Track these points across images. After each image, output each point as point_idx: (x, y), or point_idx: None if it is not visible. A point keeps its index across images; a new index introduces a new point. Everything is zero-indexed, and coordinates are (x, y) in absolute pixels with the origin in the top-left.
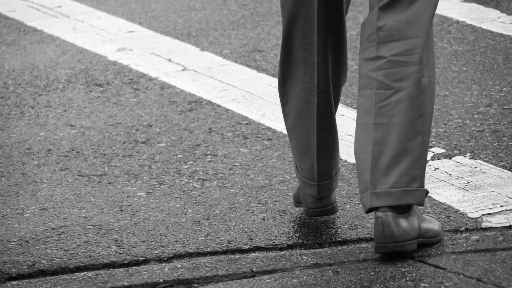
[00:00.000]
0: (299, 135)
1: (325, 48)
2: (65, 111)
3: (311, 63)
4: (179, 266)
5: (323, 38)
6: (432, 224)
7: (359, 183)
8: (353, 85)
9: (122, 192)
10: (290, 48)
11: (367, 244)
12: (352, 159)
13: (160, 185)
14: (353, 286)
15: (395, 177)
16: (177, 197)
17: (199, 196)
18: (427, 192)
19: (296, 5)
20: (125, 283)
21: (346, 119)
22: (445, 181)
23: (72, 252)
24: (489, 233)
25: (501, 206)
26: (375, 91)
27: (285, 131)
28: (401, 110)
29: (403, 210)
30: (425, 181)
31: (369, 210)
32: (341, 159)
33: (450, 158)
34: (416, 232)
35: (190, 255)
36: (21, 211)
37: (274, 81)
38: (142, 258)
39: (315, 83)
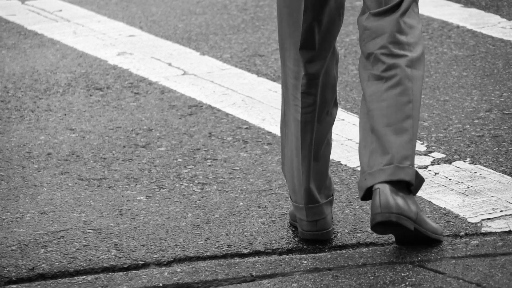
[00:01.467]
0: (288, 155)
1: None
2: (65, 115)
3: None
4: (178, 270)
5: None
6: (432, 223)
7: (361, 174)
8: (353, 89)
9: (122, 196)
10: (283, 60)
11: (366, 249)
12: (351, 164)
13: (160, 189)
14: None
15: (388, 156)
16: (177, 201)
17: (199, 200)
18: (418, 175)
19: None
20: (125, 287)
21: (346, 124)
22: (445, 186)
23: (71, 256)
24: (488, 238)
25: (500, 211)
26: (367, 83)
27: None
28: (391, 96)
29: (401, 189)
30: (425, 186)
31: (365, 193)
32: (340, 164)
33: (450, 163)
34: (413, 214)
35: (190, 259)
36: (21, 214)
37: (274, 86)
38: (141, 262)
39: (299, 97)
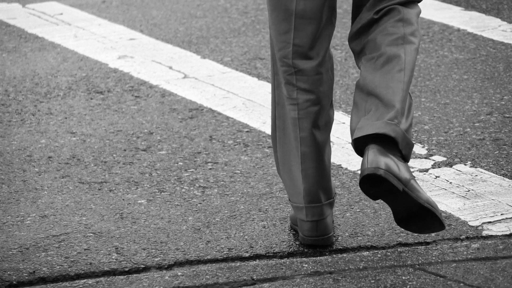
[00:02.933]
0: (284, 157)
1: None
2: (66, 118)
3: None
4: (179, 273)
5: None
6: (427, 195)
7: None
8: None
9: (123, 199)
10: (274, 61)
11: (367, 252)
12: (352, 167)
13: (160, 192)
14: None
15: (378, 113)
16: (177, 205)
17: (200, 203)
18: (406, 138)
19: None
20: None
21: (346, 127)
22: (445, 189)
23: (72, 259)
24: (489, 242)
25: (501, 214)
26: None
27: None
28: (382, 62)
29: (394, 154)
30: (426, 190)
31: (355, 145)
32: (341, 167)
33: (451, 166)
34: (403, 176)
35: (191, 262)
36: (22, 218)
37: None
38: (142, 266)
39: (295, 95)
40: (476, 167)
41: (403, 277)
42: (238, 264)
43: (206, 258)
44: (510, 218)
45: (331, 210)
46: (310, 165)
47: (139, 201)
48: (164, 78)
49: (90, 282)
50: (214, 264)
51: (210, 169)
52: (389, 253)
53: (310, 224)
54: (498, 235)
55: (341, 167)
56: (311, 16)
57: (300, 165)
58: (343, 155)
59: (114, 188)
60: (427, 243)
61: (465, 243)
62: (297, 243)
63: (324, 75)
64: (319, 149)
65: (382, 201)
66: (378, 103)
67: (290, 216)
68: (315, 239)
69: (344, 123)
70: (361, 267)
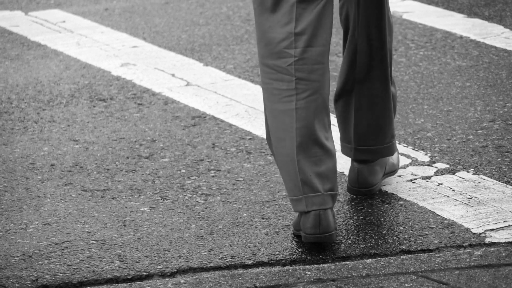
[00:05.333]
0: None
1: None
2: (68, 126)
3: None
4: (182, 281)
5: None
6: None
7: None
8: None
9: (126, 207)
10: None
11: (370, 260)
12: None
13: (163, 200)
14: None
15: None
16: (180, 212)
17: (203, 211)
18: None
19: None
20: None
21: None
22: (448, 197)
23: (75, 267)
24: (492, 249)
25: (504, 221)
26: None
27: None
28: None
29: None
30: (429, 197)
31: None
32: (344, 174)
33: (454, 173)
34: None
35: (194, 270)
36: (25, 226)
37: None
38: (145, 273)
39: (293, 86)
40: (479, 174)
41: (406, 285)
42: (241, 271)
43: (209, 265)
44: None
45: (333, 203)
46: (304, 155)
47: (142, 209)
48: (167, 86)
49: None
50: (217, 272)
51: (213, 176)
52: (392, 261)
53: (312, 220)
54: (501, 242)
55: (344, 175)
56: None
57: (296, 156)
58: (346, 163)
59: (116, 196)
60: (430, 250)
61: (468, 250)
62: (300, 250)
63: (325, 65)
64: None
65: (385, 209)
66: None
67: (293, 223)
68: (318, 236)
69: None
70: (364, 274)
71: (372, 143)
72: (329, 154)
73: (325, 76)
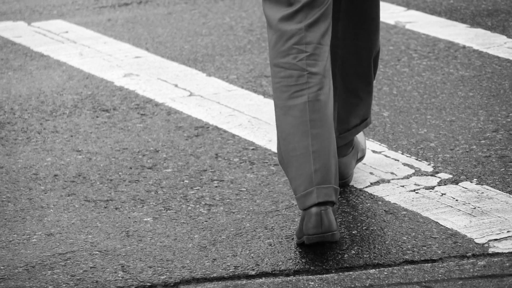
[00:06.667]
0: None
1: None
2: (71, 136)
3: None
4: None
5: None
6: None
7: None
8: None
9: (129, 217)
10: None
11: (374, 270)
12: (358, 185)
13: (166, 210)
14: None
15: None
16: (183, 223)
17: (206, 221)
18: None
19: None
20: None
21: None
22: (451, 207)
23: (78, 277)
24: (496, 259)
25: (508, 231)
26: None
27: None
28: None
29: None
30: (432, 207)
31: None
32: (347, 184)
33: (457, 183)
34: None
35: (197, 280)
36: (28, 236)
37: None
38: (148, 284)
39: (305, 80)
40: (482, 185)
41: None
42: (244, 282)
43: (212, 276)
44: None
45: (336, 199)
46: (321, 145)
47: (145, 219)
48: (170, 96)
49: None
50: (220, 282)
51: (216, 186)
52: (395, 271)
53: (314, 220)
54: (504, 253)
55: (347, 185)
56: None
57: (311, 147)
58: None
59: (120, 206)
60: (433, 261)
61: (472, 260)
62: (303, 260)
63: (327, 48)
64: (329, 128)
65: (388, 219)
66: None
67: (296, 232)
68: (321, 235)
69: None
70: (367, 284)
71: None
72: (335, 145)
73: (329, 69)
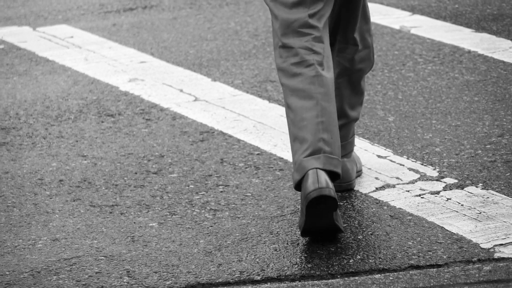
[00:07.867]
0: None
1: None
2: (76, 141)
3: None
4: None
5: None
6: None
7: None
8: (365, 115)
9: (134, 222)
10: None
11: (379, 275)
12: (363, 189)
13: (172, 215)
14: None
15: None
16: (189, 228)
17: (211, 226)
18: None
19: None
20: None
21: (357, 150)
22: (457, 212)
23: (84, 283)
24: (501, 264)
25: None
26: None
27: None
28: None
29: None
30: (437, 212)
31: None
32: (352, 189)
33: (462, 188)
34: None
35: (202, 286)
36: (33, 241)
37: None
38: None
39: (312, 57)
40: (487, 189)
41: None
42: (249, 287)
43: (217, 281)
44: None
45: (340, 171)
46: (328, 118)
47: (150, 224)
48: (175, 101)
49: None
50: (225, 287)
51: (221, 191)
52: (400, 276)
53: (311, 177)
54: (510, 258)
55: (353, 190)
56: None
57: (320, 118)
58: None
59: (125, 211)
60: (439, 266)
61: (477, 265)
62: (309, 265)
63: (327, 33)
64: (334, 106)
65: (393, 224)
66: None
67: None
68: (318, 189)
69: (355, 145)
70: None
71: None
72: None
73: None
